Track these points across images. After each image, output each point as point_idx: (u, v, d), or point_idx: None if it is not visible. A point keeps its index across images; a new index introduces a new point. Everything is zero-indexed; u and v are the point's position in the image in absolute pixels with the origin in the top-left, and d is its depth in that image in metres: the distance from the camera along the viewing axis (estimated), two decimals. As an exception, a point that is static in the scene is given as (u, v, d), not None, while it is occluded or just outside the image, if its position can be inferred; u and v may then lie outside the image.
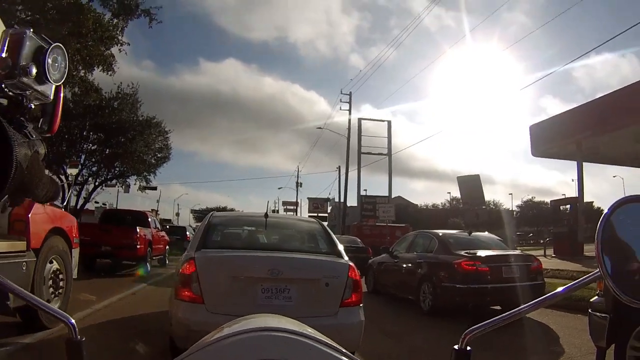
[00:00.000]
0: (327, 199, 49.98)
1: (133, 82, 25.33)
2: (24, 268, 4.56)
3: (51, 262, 5.25)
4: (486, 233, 9.74)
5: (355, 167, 38.49)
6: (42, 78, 0.65)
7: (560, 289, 0.65)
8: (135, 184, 28.41)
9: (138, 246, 12.32)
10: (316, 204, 46.82)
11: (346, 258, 4.21)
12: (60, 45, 0.76)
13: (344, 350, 0.64)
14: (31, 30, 0.66)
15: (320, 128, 42.12)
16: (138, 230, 12.59)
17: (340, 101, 37.85)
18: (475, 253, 7.55)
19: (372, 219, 34.91)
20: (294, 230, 5.10)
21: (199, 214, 63.55)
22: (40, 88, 0.66)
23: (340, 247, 4.43)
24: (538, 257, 8.57)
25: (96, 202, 34.44)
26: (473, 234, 9.14)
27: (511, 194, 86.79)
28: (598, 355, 3.89)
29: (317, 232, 4.83)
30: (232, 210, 51.23)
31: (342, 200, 40.68)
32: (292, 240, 4.82)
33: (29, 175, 0.58)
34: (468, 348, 0.67)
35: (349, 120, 37.85)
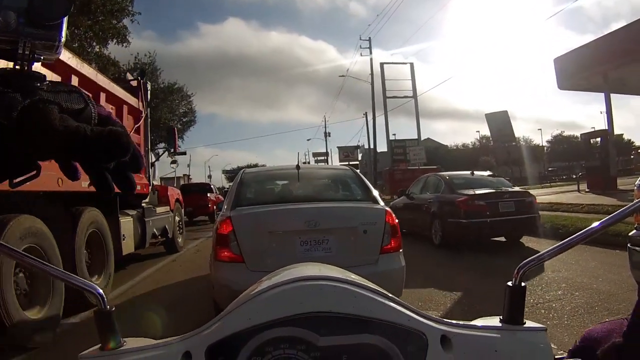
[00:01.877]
0: (357, 147, 49.87)
1: (150, 51, 25.35)
2: (170, 219, 9.29)
3: (177, 216, 10.09)
4: (487, 172, 11.05)
5: (381, 112, 37.99)
6: (30, 19, 0.54)
7: (596, 223, 0.60)
8: (164, 152, 29.38)
9: (208, 205, 19.40)
10: (346, 153, 46.80)
11: (382, 203, 4.10)
12: None
13: (390, 296, 0.62)
14: None
15: (342, 76, 41.51)
16: (207, 195, 20.59)
17: (361, 47, 36.83)
18: (475, 192, 8.59)
19: (403, 162, 34.85)
20: (326, 180, 4.98)
21: (231, 174, 64.69)
22: (35, 31, 0.55)
23: (375, 193, 4.31)
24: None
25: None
26: (476, 173, 10.06)
27: (540, 129, 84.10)
28: (639, 291, 3.73)
29: (350, 179, 4.71)
30: (262, 166, 51.97)
31: (371, 146, 40.54)
32: (326, 190, 4.72)
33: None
34: (522, 284, 0.63)
35: (371, 65, 37.02)
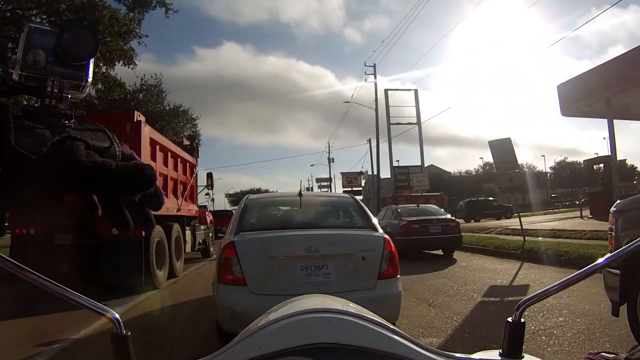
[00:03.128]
0: (360, 173, 49.48)
1: (156, 73, 25.66)
2: (207, 233, 13.91)
3: (210, 232, 14.64)
4: (431, 205, 15.46)
5: (385, 138, 38.31)
6: (59, 58, 0.59)
7: (600, 259, 0.66)
8: None
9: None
10: (349, 179, 46.45)
11: (381, 231, 4.22)
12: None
13: (394, 328, 0.64)
14: (32, 23, 0.61)
15: (347, 102, 41.95)
16: (230, 218, 23.17)
17: (365, 73, 37.45)
18: (415, 218, 12.38)
19: (407, 189, 34.93)
20: (328, 207, 5.11)
21: (234, 198, 64.80)
22: (63, 70, 0.59)
23: (375, 221, 4.44)
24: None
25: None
26: (420, 205, 14.23)
27: (543, 155, 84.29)
28: (613, 309, 3.90)
29: (350, 206, 4.84)
30: (265, 191, 52.33)
31: (375, 173, 40.55)
32: (327, 217, 4.84)
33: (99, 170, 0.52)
34: (522, 320, 0.66)
35: (375, 91, 37.47)
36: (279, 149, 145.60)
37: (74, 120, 0.58)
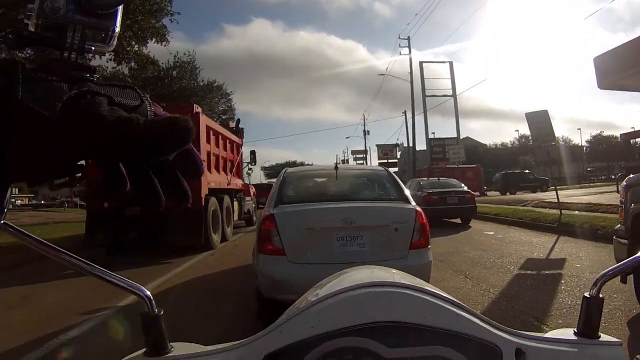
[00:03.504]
0: (396, 145, 49.31)
1: (189, 50, 25.73)
2: (251, 204, 16.06)
3: (253, 203, 16.60)
4: (451, 179, 16.39)
5: (420, 111, 38.06)
6: (82, 6, 0.50)
7: None
8: None
9: None
10: (385, 151, 46.28)
11: (413, 203, 4.34)
12: None
13: (462, 305, 0.59)
14: None
15: (382, 75, 41.55)
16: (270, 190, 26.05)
17: (400, 46, 36.93)
18: (435, 190, 13.97)
19: (442, 161, 34.85)
20: (362, 179, 5.25)
21: (269, 171, 65.75)
22: (86, 19, 0.51)
23: (407, 193, 4.56)
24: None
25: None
26: (441, 179, 16.03)
27: (579, 129, 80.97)
28: (622, 277, 4.00)
29: (384, 179, 4.97)
30: (302, 164, 52.80)
31: (410, 145, 40.20)
32: (361, 189, 4.97)
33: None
34: (600, 295, 0.62)
35: (410, 64, 37.16)
36: (313, 123, 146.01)
37: (98, 75, 0.51)
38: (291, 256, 3.92)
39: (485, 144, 72.53)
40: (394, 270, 0.74)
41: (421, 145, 42.68)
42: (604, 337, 0.62)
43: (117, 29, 0.54)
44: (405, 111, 42.41)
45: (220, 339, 0.67)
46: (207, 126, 10.31)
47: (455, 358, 0.55)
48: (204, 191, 9.43)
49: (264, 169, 74.13)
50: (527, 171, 37.60)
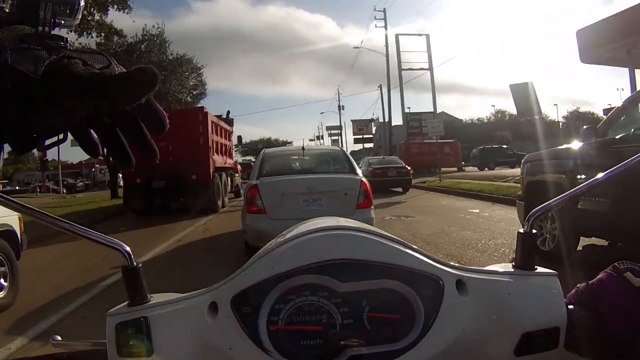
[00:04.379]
0: (372, 120, 49.69)
1: (158, 22, 24.04)
2: (238, 179, 18.90)
3: (240, 178, 19.15)
4: (392, 157, 23.17)
5: (395, 85, 38.60)
6: None
7: (600, 174, 0.67)
8: None
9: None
10: (360, 126, 46.92)
11: (360, 175, 5.87)
12: None
13: (406, 243, 0.64)
14: None
15: (357, 47, 42.30)
16: (252, 167, 28.04)
17: (375, 18, 37.58)
18: (379, 166, 18.48)
19: (419, 136, 34.89)
20: (323, 158, 6.78)
21: (243, 148, 66.56)
22: None
23: (356, 167, 6.11)
24: None
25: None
26: (385, 157, 22.19)
27: (556, 104, 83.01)
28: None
29: (340, 157, 6.53)
30: (276, 140, 54.41)
31: (386, 119, 40.51)
32: (322, 165, 6.49)
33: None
34: (533, 231, 0.66)
35: (386, 36, 37.75)
36: (285, 99, 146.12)
37: (69, 44, 0.55)
38: (270, 214, 5.43)
39: (461, 119, 74.10)
40: (344, 219, 0.78)
41: (397, 120, 43.23)
42: (540, 269, 0.66)
43: (82, 2, 0.59)
44: (380, 85, 42.79)
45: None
46: (212, 121, 13.79)
47: (401, 289, 0.59)
48: (212, 169, 13.01)
49: (237, 146, 74.28)
50: (505, 146, 37.76)
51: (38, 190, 37.59)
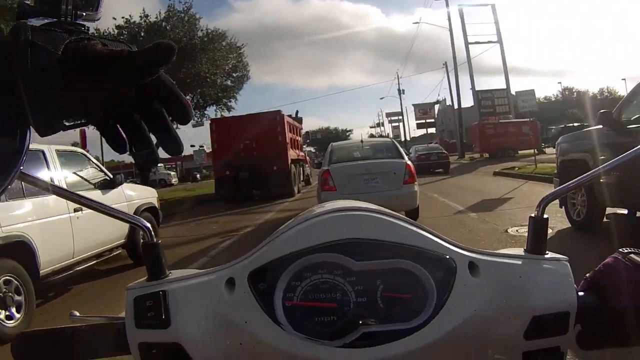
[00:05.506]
0: (437, 102, 46.20)
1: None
2: (308, 169, 23.72)
3: (309, 168, 24.82)
4: (434, 145, 29.09)
5: (461, 62, 35.33)
6: None
7: (607, 163, 0.67)
8: (216, 114, 22.76)
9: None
10: (423, 110, 44.44)
11: (406, 159, 7.70)
12: None
13: (421, 225, 0.66)
14: None
15: (416, 23, 40.88)
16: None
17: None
18: (423, 152, 24.26)
19: (493, 116, 32.37)
20: (377, 147, 8.62)
21: (308, 139, 67.95)
22: None
23: (403, 153, 7.96)
24: None
25: (192, 146, 33.65)
26: (429, 145, 27.47)
27: (624, 79, 76.91)
28: (560, 204, 6.21)
29: (390, 146, 8.41)
30: (334, 130, 59.44)
31: (455, 100, 37.41)
32: (376, 153, 8.31)
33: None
34: (545, 216, 0.66)
35: (447, 1, 35.22)
36: (337, 90, 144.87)
37: (92, 33, 0.55)
38: (339, 191, 7.32)
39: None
40: (360, 202, 0.77)
41: (465, 102, 39.03)
42: (551, 254, 0.66)
43: None
44: (445, 62, 39.82)
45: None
46: (286, 122, 16.84)
47: (414, 269, 0.60)
48: (289, 161, 16.00)
49: (305, 141, 76.04)
50: (585, 124, 33.08)
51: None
